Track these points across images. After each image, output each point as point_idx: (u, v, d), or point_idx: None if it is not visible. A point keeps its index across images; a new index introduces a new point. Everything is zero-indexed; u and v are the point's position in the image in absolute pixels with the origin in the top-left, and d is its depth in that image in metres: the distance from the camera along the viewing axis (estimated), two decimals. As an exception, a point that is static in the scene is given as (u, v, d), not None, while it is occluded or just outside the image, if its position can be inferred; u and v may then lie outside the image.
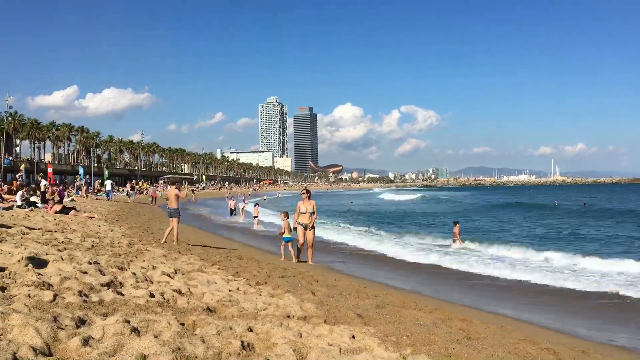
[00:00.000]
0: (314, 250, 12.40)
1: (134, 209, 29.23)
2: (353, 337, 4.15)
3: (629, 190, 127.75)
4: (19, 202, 17.64)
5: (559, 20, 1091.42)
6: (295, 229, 12.22)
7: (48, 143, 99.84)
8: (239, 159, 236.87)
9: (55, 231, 10.30)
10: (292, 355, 3.31)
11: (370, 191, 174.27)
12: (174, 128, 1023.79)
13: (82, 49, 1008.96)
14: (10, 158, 69.58)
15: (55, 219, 13.91)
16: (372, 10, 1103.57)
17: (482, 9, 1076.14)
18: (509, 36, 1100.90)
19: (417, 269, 13.19)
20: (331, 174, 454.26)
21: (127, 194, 40.83)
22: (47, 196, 19.40)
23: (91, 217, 16.99)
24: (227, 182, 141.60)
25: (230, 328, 3.83)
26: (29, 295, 3.91)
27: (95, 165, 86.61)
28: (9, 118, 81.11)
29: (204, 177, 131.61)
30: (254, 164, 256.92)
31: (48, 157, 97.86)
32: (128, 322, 3.44)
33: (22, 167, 40.81)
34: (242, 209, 32.28)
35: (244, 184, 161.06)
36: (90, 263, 5.95)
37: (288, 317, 4.70)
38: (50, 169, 43.93)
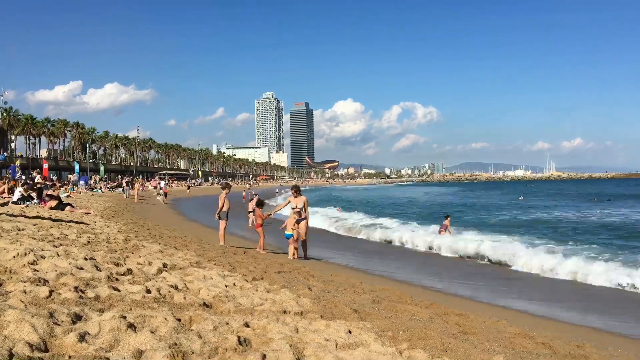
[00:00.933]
0: (309, 242, 12.44)
1: (130, 204, 29.14)
2: (349, 332, 4.15)
3: (614, 184, 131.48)
4: (15, 199, 17.56)
5: (556, 14, 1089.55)
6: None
7: (43, 139, 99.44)
8: (235, 155, 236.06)
9: (51, 227, 10.26)
10: (289, 350, 3.31)
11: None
12: (174, 123, 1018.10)
13: (85, 44, 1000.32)
14: (5, 154, 69.27)
15: (51, 215, 13.85)
16: (372, 6, 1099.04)
17: (479, 4, 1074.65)
18: (506, 30, 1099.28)
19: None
20: (327, 170, 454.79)
21: (122, 190, 40.73)
22: (52, 192, 19.27)
23: (87, 213, 16.94)
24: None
25: (227, 323, 3.83)
26: (24, 291, 3.89)
27: (91, 161, 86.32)
28: (4, 114, 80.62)
29: (199, 172, 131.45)
30: (250, 159, 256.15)
31: (43, 153, 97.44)
32: (124, 317, 3.43)
33: (18, 163, 40.66)
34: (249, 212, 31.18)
35: (239, 179, 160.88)
36: (86, 259, 5.93)
37: (284, 312, 4.70)
38: (45, 165, 43.77)
